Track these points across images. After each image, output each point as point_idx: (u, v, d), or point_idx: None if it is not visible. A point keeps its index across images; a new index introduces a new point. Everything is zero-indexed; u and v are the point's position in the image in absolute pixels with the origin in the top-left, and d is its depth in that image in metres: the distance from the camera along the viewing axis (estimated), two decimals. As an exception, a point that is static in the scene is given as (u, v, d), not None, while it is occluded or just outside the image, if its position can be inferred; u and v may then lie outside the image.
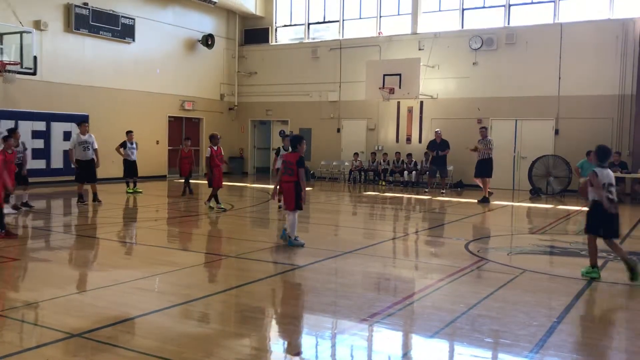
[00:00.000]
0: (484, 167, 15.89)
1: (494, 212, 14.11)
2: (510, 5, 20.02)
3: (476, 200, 15.78)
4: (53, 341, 4.58)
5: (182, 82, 22.52)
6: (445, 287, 6.62)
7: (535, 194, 17.85)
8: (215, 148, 12.78)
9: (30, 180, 13.65)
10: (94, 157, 13.74)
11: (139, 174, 16.65)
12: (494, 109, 19.92)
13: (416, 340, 5.01)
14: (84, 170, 13.57)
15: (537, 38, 19.23)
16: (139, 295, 6.07)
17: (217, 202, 12.83)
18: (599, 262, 7.33)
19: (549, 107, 19.06)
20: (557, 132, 19.05)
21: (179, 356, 4.32)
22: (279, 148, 13.02)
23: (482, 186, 15.98)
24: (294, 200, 8.55)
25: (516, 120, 19.67)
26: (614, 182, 7.00)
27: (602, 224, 6.91)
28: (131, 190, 16.03)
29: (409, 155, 20.69)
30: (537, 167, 18.06)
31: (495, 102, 19.88)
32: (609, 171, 6.99)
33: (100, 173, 14.76)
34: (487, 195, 15.73)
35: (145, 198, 15.51)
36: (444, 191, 18.14)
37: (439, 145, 18.15)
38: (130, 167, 16.08)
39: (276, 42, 24.74)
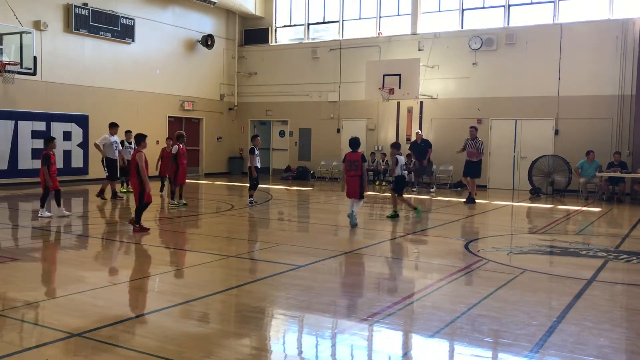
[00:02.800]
0: (472, 168, 15.63)
1: (494, 212, 14.11)
2: (509, 6, 20.03)
3: (463, 201, 15.69)
4: (53, 341, 4.58)
5: (181, 82, 22.52)
6: (445, 287, 6.63)
7: (535, 194, 17.85)
8: (181, 146, 13.51)
9: (30, 180, 13.81)
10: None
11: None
12: (493, 109, 19.93)
13: (416, 340, 5.01)
14: (113, 169, 14.59)
15: (537, 38, 19.24)
16: (139, 295, 6.07)
17: (180, 197, 13.51)
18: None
19: (548, 107, 19.07)
20: (557, 132, 19.05)
21: (179, 356, 4.32)
22: (252, 148, 13.68)
23: (468, 186, 15.83)
24: (359, 191, 10.84)
25: (516, 120, 19.67)
26: (404, 163, 12.47)
27: (398, 186, 12.21)
28: (125, 190, 16.01)
29: (409, 155, 20.65)
30: (537, 167, 18.06)
31: (495, 102, 19.88)
32: (403, 157, 12.55)
33: (98, 173, 15.10)
34: (472, 196, 15.48)
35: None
36: (432, 190, 18.25)
37: (420, 146, 18.42)
38: (123, 167, 15.99)
39: (276, 42, 24.74)
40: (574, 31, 18.69)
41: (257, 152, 13.59)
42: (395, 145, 12.45)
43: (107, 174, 14.53)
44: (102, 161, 14.75)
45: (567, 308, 5.73)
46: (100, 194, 14.35)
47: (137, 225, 9.82)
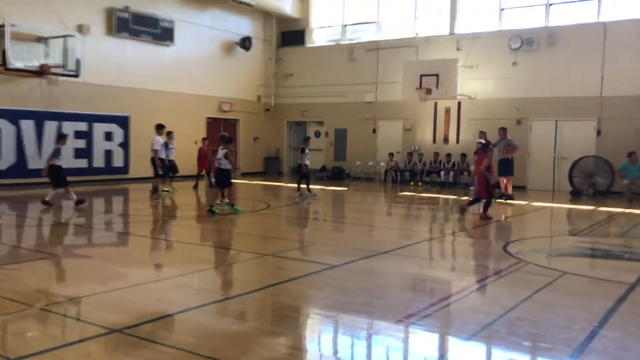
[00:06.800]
0: (503, 166, 16.11)
1: (534, 214, 13.86)
2: (550, 4, 19.63)
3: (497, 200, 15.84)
4: (94, 336, 4.69)
5: (219, 83, 22.79)
6: (483, 289, 6.54)
7: (576, 195, 17.46)
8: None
9: (73, 178, 14.21)
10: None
11: (180, 173, 17.28)
12: (533, 110, 19.57)
13: (452, 342, 4.96)
14: (165, 169, 15.46)
15: (579, 38, 18.81)
16: (178, 292, 6.17)
17: (224, 196, 13.59)
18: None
19: (590, 107, 18.62)
20: (599, 132, 18.59)
21: (216, 353, 4.37)
22: (303, 147, 15.50)
23: (502, 184, 16.18)
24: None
25: (556, 120, 19.28)
26: (220, 156, 11.92)
27: (223, 181, 12.00)
28: (167, 189, 16.29)
29: (449, 155, 20.51)
30: (578, 168, 17.65)
31: (535, 103, 19.52)
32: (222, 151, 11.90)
33: (138, 172, 15.45)
34: (504, 193, 15.98)
35: (186, 197, 15.75)
36: (472, 189, 18.22)
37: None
38: (168, 167, 16.29)
39: (313, 43, 24.81)
40: (618, 30, 18.19)
41: (307, 151, 15.32)
42: (224, 139, 12.24)
43: (160, 172, 15.04)
44: (155, 161, 15.03)
45: (609, 312, 5.59)
46: (155, 192, 14.84)
47: (483, 214, 11.84)
